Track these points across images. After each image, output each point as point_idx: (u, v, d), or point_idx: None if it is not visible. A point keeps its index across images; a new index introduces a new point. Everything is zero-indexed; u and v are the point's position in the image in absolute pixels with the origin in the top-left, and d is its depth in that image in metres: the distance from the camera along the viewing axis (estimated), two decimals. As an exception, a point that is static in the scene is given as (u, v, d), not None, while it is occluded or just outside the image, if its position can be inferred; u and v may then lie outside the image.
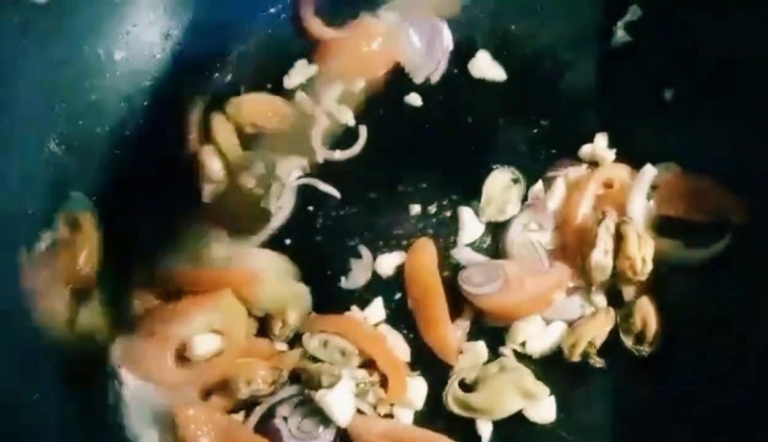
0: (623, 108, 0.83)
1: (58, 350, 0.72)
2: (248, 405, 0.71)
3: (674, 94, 0.82)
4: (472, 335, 0.75)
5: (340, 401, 0.69)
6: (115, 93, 0.86)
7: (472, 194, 0.81)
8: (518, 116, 0.84)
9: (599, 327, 0.71)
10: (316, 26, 0.91)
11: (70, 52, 0.83)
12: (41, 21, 0.80)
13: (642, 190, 0.76)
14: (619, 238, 0.72)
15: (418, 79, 0.87)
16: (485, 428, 0.70)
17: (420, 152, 0.83)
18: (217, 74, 0.90)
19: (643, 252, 0.71)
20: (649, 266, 0.71)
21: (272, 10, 0.91)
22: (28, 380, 0.70)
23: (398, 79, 0.87)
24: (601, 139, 0.80)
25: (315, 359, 0.73)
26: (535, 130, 0.84)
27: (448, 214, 0.81)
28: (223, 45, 0.90)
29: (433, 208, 0.82)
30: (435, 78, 0.87)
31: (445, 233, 0.80)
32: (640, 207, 0.75)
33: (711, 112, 0.78)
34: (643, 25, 0.86)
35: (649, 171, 0.77)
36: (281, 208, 0.81)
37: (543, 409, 0.70)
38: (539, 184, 0.80)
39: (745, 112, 0.75)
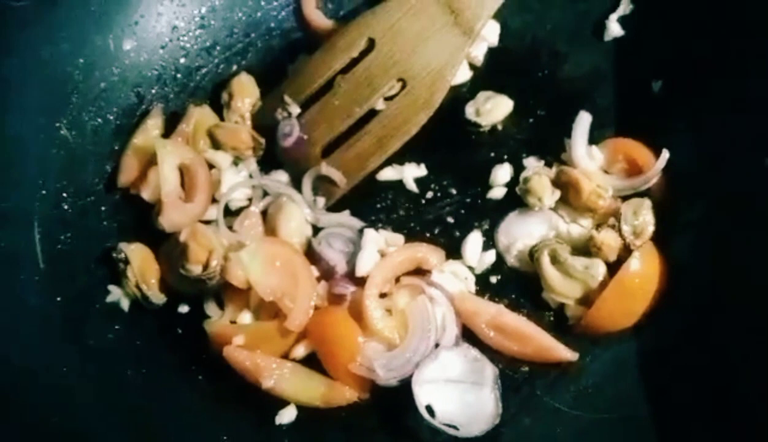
0: (614, 99, 0.85)
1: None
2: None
3: (662, 86, 0.84)
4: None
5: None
6: (123, 82, 0.88)
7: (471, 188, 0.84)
8: (516, 107, 0.87)
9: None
10: (318, 19, 0.94)
11: (80, 42, 0.86)
12: (52, 11, 0.83)
13: (581, 135, 0.82)
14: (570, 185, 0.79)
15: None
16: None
17: (415, 144, 0.85)
18: (222, 65, 0.93)
19: (594, 183, 0.79)
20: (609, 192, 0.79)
21: (276, 3, 0.94)
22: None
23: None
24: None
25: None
26: (531, 120, 0.87)
27: (447, 209, 0.84)
28: (228, 37, 0.93)
29: (429, 194, 0.85)
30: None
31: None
32: (582, 149, 0.82)
33: (698, 106, 0.81)
34: (636, 18, 0.88)
35: (585, 117, 0.83)
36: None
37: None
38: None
39: (733, 106, 0.78)
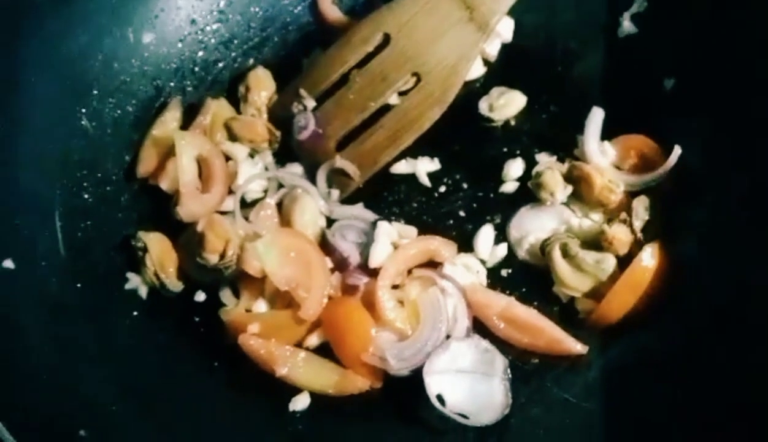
0: (627, 96, 0.86)
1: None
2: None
3: (675, 84, 0.85)
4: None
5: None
6: (143, 74, 0.90)
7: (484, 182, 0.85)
8: (529, 103, 0.88)
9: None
10: (333, 13, 0.95)
11: (99, 34, 0.87)
12: (72, 4, 0.84)
13: (593, 131, 0.83)
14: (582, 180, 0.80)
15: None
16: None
17: (429, 138, 0.86)
18: (239, 59, 0.94)
19: (606, 178, 0.80)
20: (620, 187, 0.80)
21: (292, -2, 0.96)
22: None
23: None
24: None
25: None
26: (544, 116, 0.88)
27: (460, 203, 0.85)
28: (245, 31, 0.94)
29: (442, 188, 0.86)
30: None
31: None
32: (594, 144, 0.82)
33: (710, 104, 0.81)
34: (649, 16, 0.89)
35: (598, 113, 0.83)
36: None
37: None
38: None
39: (746, 104, 0.79)
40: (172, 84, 0.91)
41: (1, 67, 0.80)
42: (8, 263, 0.75)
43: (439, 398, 0.73)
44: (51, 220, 0.82)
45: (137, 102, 0.89)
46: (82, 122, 0.86)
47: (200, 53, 0.93)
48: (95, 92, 0.87)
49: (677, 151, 0.80)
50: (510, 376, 0.74)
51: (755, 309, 0.71)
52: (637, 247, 0.78)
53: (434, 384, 0.73)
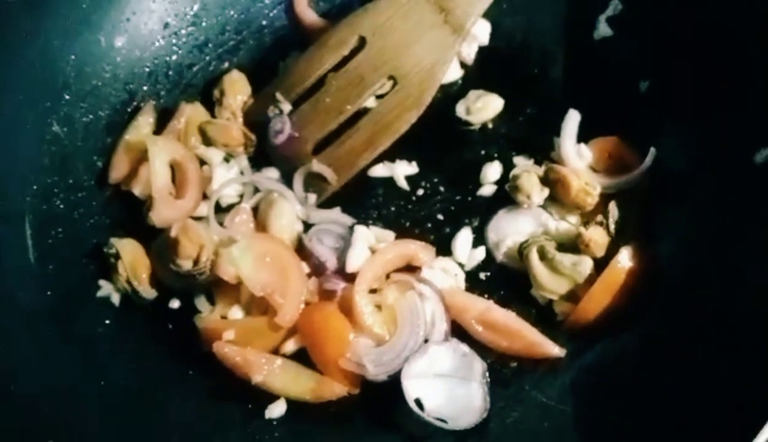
0: (603, 98, 0.86)
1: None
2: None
3: (650, 86, 0.85)
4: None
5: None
6: (115, 79, 0.89)
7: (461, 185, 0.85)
8: (506, 106, 0.88)
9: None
10: (309, 17, 0.94)
11: (71, 38, 0.86)
12: (42, 7, 0.83)
13: (570, 133, 0.83)
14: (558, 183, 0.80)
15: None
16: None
17: (406, 142, 0.85)
18: (214, 62, 0.93)
19: (583, 181, 0.80)
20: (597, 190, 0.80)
21: (267, 1, 0.95)
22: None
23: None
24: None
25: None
26: (521, 119, 0.88)
27: (438, 206, 0.85)
28: (219, 34, 0.93)
29: (420, 192, 0.86)
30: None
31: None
32: (571, 147, 0.83)
33: (685, 105, 0.82)
34: (625, 19, 0.89)
35: (574, 116, 0.83)
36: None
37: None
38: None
39: (721, 105, 0.79)
40: (145, 88, 0.90)
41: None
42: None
43: (418, 402, 0.72)
44: (21, 227, 0.80)
45: (109, 107, 0.88)
46: (53, 128, 0.85)
47: (174, 57, 0.92)
48: (66, 97, 0.85)
49: (652, 153, 0.80)
50: (488, 380, 0.74)
51: (733, 310, 0.71)
52: (613, 249, 0.78)
53: (412, 389, 0.73)
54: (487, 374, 0.74)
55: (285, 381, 0.75)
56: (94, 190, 0.86)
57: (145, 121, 0.88)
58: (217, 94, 0.90)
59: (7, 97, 0.81)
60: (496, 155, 0.86)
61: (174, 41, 0.92)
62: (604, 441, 0.71)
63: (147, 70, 0.90)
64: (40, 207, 0.82)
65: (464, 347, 0.75)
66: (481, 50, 0.91)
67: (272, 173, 0.87)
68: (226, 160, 0.88)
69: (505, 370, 0.77)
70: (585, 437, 0.71)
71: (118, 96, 0.89)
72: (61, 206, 0.83)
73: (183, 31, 0.92)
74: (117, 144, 0.86)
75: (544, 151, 0.85)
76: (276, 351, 0.77)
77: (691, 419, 0.68)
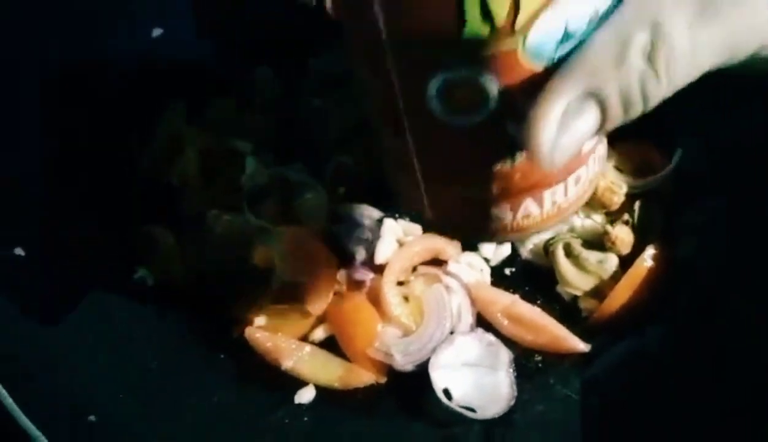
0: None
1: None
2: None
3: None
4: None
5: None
6: (150, 70, 0.91)
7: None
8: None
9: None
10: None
11: (104, 29, 0.88)
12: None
13: None
14: None
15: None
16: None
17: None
18: (247, 58, 0.95)
19: (608, 180, 0.81)
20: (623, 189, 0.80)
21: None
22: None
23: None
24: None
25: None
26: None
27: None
28: (253, 30, 0.96)
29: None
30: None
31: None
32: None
33: (708, 107, 0.83)
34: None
35: None
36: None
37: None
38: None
39: (743, 107, 0.80)
40: (180, 81, 0.92)
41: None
42: (18, 251, 0.75)
43: (446, 392, 0.74)
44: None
45: (145, 98, 0.90)
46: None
47: (209, 51, 0.94)
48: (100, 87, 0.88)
49: (678, 154, 0.81)
50: (515, 370, 0.75)
51: (758, 312, 0.72)
52: (638, 248, 0.80)
53: (440, 379, 0.74)
54: (513, 365, 0.75)
55: (314, 368, 0.77)
56: (130, 178, 0.88)
57: (180, 112, 0.90)
58: (249, 90, 0.92)
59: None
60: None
61: (209, 36, 0.94)
62: (627, 436, 0.73)
63: (181, 63, 0.92)
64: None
65: (490, 337, 0.76)
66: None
67: (300, 165, 0.89)
68: (257, 152, 0.90)
69: (530, 364, 0.78)
70: (609, 431, 0.73)
71: (154, 87, 0.91)
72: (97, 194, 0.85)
73: (217, 28, 0.94)
74: (153, 135, 0.88)
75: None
76: (305, 338, 0.79)
77: (713, 417, 0.69)
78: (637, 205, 0.81)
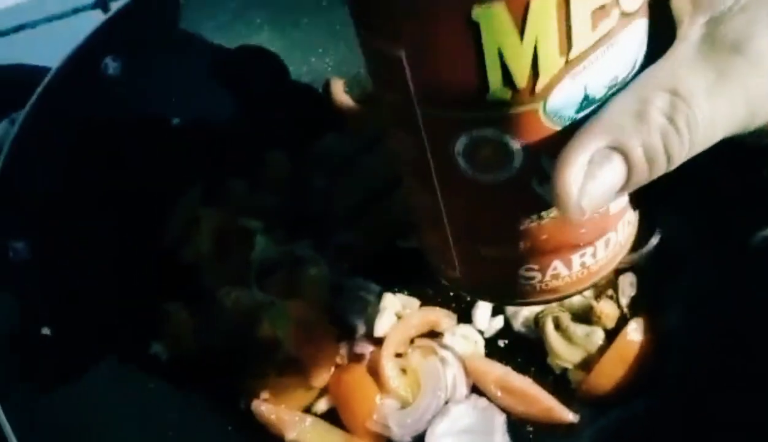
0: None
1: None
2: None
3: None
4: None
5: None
6: (169, 154, 0.98)
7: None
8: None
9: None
10: (345, 101, 1.04)
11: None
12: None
13: None
14: None
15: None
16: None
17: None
18: (257, 141, 1.02)
19: None
20: None
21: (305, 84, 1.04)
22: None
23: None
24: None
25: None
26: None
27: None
28: (262, 113, 1.03)
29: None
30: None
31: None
32: None
33: (684, 186, 0.88)
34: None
35: None
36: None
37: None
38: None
39: (720, 185, 0.85)
40: (195, 163, 0.99)
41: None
42: (45, 331, 0.81)
43: (443, 462, 0.77)
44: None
45: (164, 178, 0.97)
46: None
47: (221, 137, 1.01)
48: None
49: (658, 233, 0.86)
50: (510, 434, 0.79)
51: (747, 371, 0.75)
52: (623, 321, 0.84)
53: (437, 448, 0.78)
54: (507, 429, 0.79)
55: (315, 439, 0.81)
56: (148, 254, 0.94)
57: (195, 192, 0.97)
58: (259, 170, 0.99)
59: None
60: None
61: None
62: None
63: (196, 147, 1.00)
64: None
65: (484, 401, 0.80)
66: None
67: (307, 242, 0.95)
68: (267, 229, 0.96)
69: (522, 431, 0.81)
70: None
71: (172, 168, 0.98)
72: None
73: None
74: (170, 213, 0.95)
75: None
76: (309, 409, 0.83)
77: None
78: (620, 279, 0.86)
